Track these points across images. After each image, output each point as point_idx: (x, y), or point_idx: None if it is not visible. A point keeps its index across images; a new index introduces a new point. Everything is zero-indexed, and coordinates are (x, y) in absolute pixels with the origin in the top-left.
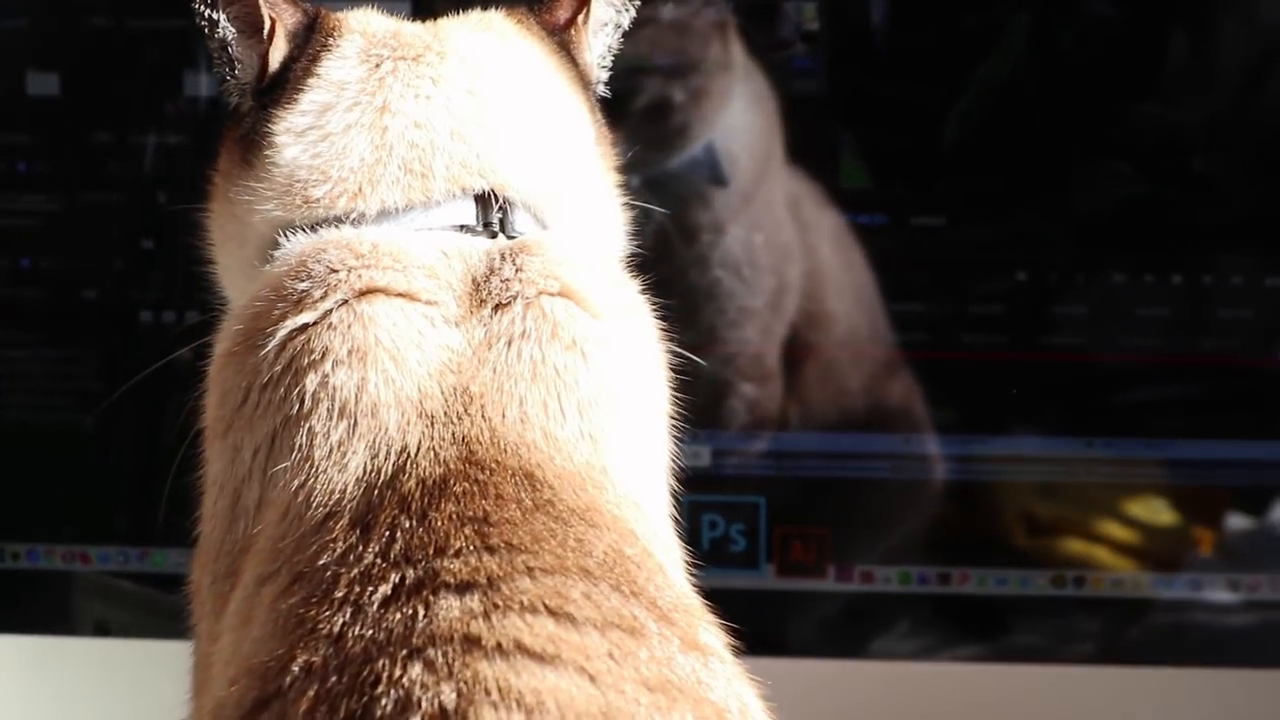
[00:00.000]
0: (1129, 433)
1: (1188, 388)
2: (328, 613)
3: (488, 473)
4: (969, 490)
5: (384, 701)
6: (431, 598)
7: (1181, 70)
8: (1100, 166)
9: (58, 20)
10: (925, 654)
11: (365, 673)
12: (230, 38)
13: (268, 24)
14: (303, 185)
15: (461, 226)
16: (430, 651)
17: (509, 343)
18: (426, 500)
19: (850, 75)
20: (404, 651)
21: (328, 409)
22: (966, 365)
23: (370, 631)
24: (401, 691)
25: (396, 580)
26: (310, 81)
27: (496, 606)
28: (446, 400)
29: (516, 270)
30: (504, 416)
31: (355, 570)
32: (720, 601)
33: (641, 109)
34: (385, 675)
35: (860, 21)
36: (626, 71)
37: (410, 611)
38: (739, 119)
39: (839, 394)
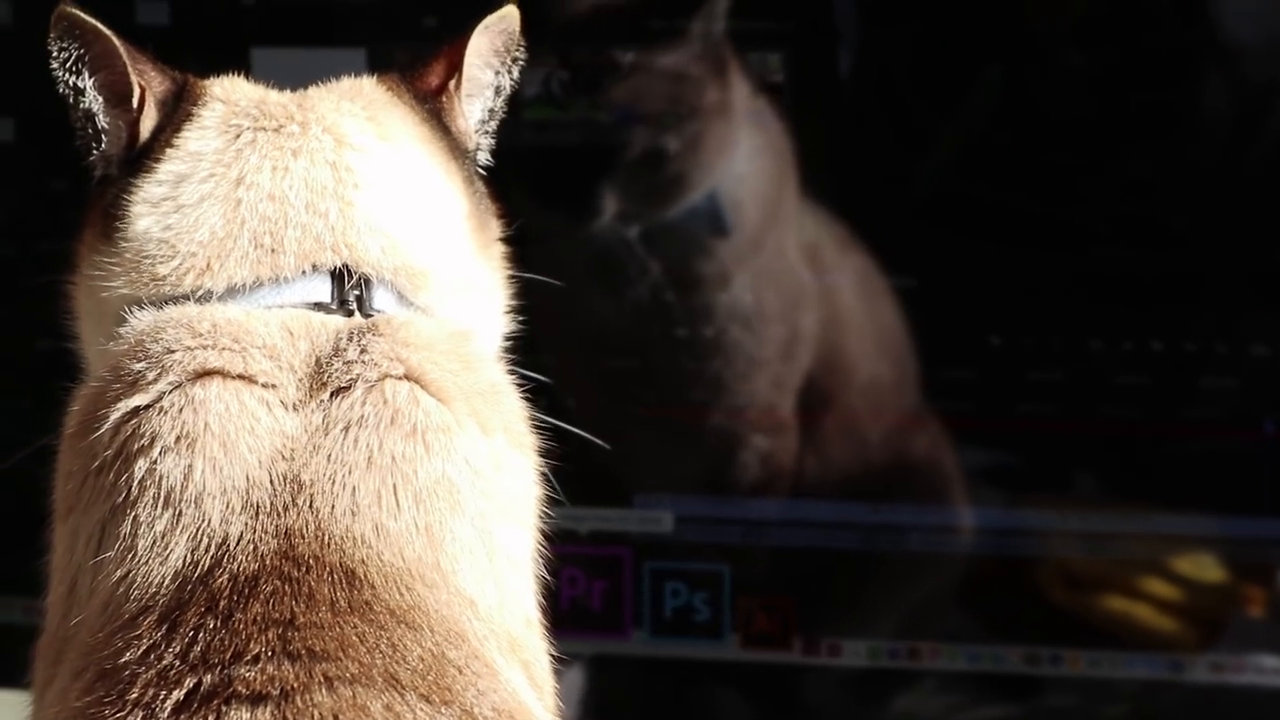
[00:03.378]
0: (1104, 507)
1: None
2: (119, 714)
3: (303, 570)
4: (945, 562)
5: None
6: (223, 708)
7: (1161, 124)
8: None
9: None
10: None
11: None
12: (97, 108)
13: (137, 92)
14: (151, 261)
15: (317, 304)
16: None
17: (346, 429)
18: (235, 598)
19: (816, 128)
20: None
21: (153, 497)
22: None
23: None
24: None
25: (191, 685)
26: (169, 152)
27: None
28: (275, 490)
29: (361, 352)
30: (333, 508)
31: (153, 671)
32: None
33: (633, 160)
34: None
35: (827, 74)
36: (617, 122)
37: None
38: (744, 165)
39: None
